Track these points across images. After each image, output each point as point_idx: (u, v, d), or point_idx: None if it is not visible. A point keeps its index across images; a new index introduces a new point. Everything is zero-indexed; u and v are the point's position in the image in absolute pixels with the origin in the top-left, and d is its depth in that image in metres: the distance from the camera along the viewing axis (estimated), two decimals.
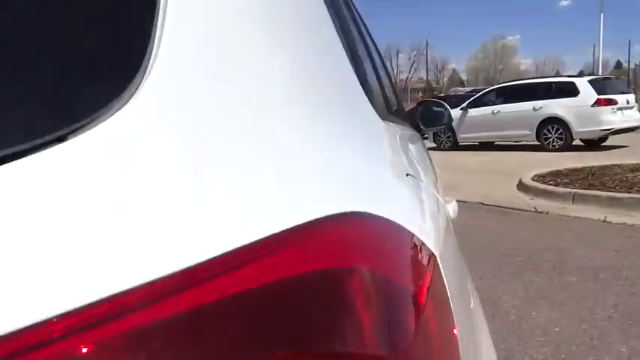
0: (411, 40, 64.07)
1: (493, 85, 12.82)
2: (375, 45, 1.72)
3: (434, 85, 51.62)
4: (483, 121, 11.31)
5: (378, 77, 1.17)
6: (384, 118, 0.89)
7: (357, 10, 1.53)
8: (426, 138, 9.86)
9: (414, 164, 0.80)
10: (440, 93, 34.27)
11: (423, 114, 2.49)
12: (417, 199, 0.54)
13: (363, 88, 0.69)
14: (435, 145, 12.03)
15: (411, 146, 1.08)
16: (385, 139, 0.68)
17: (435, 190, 0.81)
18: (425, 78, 52.05)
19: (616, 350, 2.20)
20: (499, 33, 55.10)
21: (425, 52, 50.69)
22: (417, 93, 48.06)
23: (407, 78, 53.11)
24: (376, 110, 0.75)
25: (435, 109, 2.54)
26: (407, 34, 72.66)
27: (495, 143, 11.70)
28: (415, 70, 53.94)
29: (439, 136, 12.03)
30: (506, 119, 10.95)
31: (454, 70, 56.09)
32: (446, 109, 2.54)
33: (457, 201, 5.74)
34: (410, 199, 0.50)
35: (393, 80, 1.79)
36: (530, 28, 78.26)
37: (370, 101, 0.72)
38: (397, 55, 54.41)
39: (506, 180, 6.78)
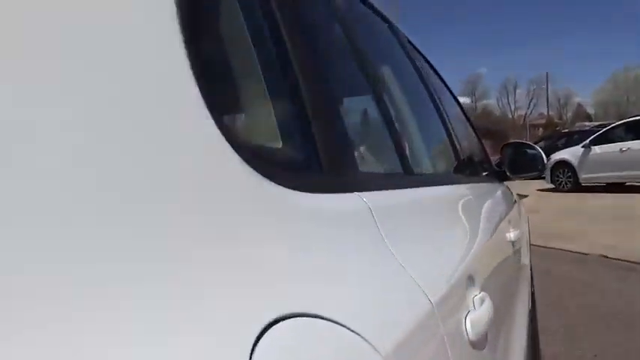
0: (529, 74, 60.38)
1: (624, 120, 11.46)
2: (428, 89, 1.38)
3: (556, 120, 48.08)
4: (610, 160, 10.09)
5: (392, 130, 0.85)
6: (373, 187, 0.60)
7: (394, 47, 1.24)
8: (543, 177, 9.09)
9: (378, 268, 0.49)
10: (563, 128, 32.10)
11: (510, 159, 2.12)
12: None
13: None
14: (553, 186, 10.97)
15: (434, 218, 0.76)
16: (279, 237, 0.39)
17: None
18: (545, 113, 48.71)
19: None
20: (632, 62, 50.16)
21: (545, 86, 47.67)
22: (537, 129, 45.02)
23: (525, 114, 50.16)
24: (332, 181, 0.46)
25: (529, 151, 2.15)
26: (525, 67, 68.60)
27: (627, 184, 10.37)
28: (534, 105, 50.70)
29: (558, 176, 10.96)
30: (638, 157, 9.67)
31: (579, 104, 51.85)
32: (538, 152, 2.13)
33: (574, 252, 5.06)
34: None
35: (452, 130, 1.44)
36: None
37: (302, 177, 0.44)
38: (514, 90, 51.68)
39: (637, 229, 5.82)
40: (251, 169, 0.38)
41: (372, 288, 0.45)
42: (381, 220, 0.55)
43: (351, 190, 0.55)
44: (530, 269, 2.43)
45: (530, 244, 2.49)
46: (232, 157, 0.36)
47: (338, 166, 0.57)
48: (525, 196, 9.52)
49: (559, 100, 51.15)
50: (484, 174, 1.95)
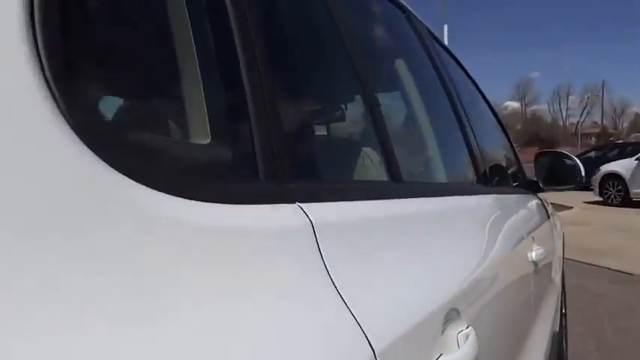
0: (584, 81, 57.49)
1: None
2: (452, 97, 1.23)
3: (611, 130, 46.00)
4: None
5: (380, 132, 0.72)
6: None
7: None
8: (591, 189, 8.68)
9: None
10: (618, 139, 30.76)
11: (546, 169, 1.96)
12: None
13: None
14: (601, 199, 10.45)
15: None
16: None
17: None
18: (599, 122, 46.63)
19: None
20: None
21: (600, 94, 45.57)
22: (589, 138, 43.17)
23: (577, 122, 48.15)
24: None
25: (566, 162, 1.98)
26: (580, 74, 65.58)
27: None
28: (588, 113, 48.55)
29: (607, 189, 10.43)
30: None
31: (636, 114, 49.37)
32: (576, 163, 1.96)
33: (619, 272, 4.75)
34: None
35: (473, 134, 1.30)
36: None
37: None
38: (567, 97, 49.60)
39: None
40: (114, 172, 0.28)
41: (287, 337, 0.34)
42: (328, 238, 0.44)
43: (291, 201, 0.44)
44: (563, 289, 2.24)
45: (563, 261, 2.30)
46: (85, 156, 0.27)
47: (279, 170, 0.46)
48: (570, 208, 9.09)
49: (615, 110, 48.92)
50: (513, 184, 1.80)
